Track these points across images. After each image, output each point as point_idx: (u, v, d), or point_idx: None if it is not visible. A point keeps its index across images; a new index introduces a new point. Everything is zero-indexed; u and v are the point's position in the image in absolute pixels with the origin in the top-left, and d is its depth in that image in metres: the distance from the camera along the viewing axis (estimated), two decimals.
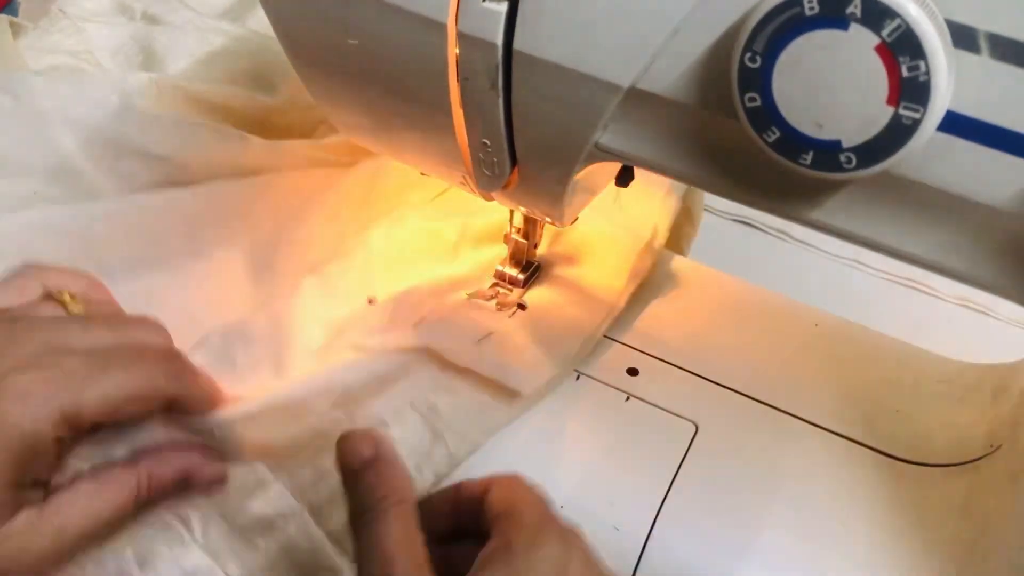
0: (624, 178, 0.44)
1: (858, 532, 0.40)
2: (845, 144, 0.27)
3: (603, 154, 0.35)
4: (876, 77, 0.25)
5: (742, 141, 0.29)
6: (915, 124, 0.26)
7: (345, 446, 0.34)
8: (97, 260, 0.45)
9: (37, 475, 0.32)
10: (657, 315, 0.50)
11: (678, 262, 0.54)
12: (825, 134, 0.27)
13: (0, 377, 0.31)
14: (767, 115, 0.28)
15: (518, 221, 0.48)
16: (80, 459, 0.33)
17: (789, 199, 0.32)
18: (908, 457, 0.43)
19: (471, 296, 0.49)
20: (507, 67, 0.33)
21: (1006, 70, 0.25)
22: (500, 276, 0.50)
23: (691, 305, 0.51)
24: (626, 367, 0.46)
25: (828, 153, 0.27)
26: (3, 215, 0.46)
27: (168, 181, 0.50)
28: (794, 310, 0.51)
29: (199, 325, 0.46)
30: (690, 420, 0.44)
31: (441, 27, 0.33)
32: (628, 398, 0.45)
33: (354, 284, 0.49)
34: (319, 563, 0.37)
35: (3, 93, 0.49)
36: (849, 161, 0.27)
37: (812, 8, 0.25)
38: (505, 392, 0.43)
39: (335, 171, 0.53)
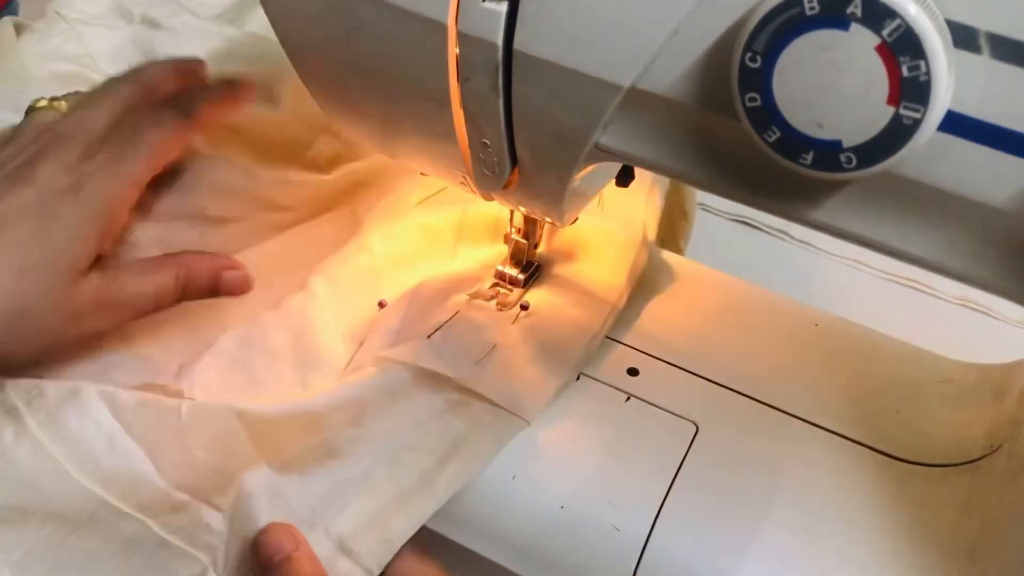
0: (624, 178, 0.44)
1: (858, 532, 0.40)
2: (845, 144, 0.27)
3: (603, 154, 0.35)
4: (876, 77, 0.25)
5: (742, 141, 0.29)
6: (915, 124, 0.26)
7: (265, 539, 0.34)
8: None
9: (108, 244, 0.41)
10: (657, 315, 0.50)
11: (678, 262, 0.54)
12: (825, 134, 0.27)
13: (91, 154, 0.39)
14: (767, 115, 0.28)
15: (518, 221, 0.48)
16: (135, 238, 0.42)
17: (789, 199, 0.32)
18: (908, 457, 0.43)
19: (472, 296, 0.49)
20: (507, 67, 0.33)
21: (1006, 70, 0.25)
22: (500, 276, 0.50)
23: (691, 305, 0.51)
24: (626, 367, 0.46)
25: (828, 153, 0.27)
26: None
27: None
28: (794, 310, 0.51)
29: (200, 325, 0.46)
30: (690, 420, 0.44)
31: (441, 27, 0.33)
32: (628, 398, 0.45)
33: (363, 286, 0.49)
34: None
35: (6, 110, 0.49)
36: (849, 161, 0.27)
37: (812, 8, 0.25)
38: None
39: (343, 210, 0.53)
